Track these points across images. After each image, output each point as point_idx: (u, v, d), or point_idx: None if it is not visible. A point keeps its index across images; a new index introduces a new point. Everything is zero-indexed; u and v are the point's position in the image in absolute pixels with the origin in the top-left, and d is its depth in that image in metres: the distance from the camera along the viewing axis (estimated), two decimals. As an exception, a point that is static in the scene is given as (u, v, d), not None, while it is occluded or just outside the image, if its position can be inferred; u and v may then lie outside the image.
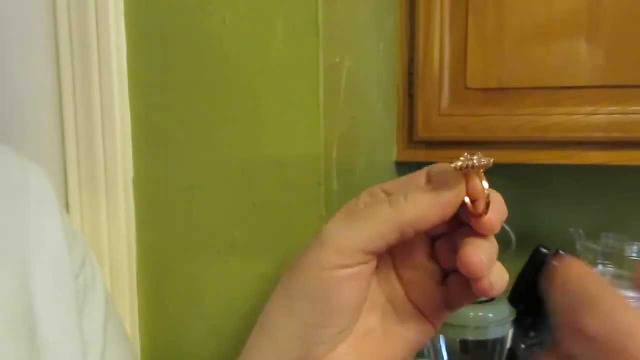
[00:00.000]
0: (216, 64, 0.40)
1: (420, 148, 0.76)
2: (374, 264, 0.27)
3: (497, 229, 0.26)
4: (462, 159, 0.24)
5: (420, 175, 0.28)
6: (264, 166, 0.39)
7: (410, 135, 0.76)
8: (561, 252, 0.83)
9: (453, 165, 0.24)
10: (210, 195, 0.41)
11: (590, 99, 0.68)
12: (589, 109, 0.68)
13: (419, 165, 1.02)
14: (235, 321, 0.42)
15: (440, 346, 0.75)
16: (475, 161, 0.23)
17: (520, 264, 0.86)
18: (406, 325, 0.28)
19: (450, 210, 0.25)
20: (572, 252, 0.94)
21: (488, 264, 0.26)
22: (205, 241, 0.42)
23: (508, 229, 0.77)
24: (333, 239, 0.27)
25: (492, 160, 0.24)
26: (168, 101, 0.42)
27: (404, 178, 0.29)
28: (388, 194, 0.28)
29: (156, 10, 0.41)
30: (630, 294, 0.85)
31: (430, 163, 0.86)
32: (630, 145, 0.68)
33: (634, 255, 0.90)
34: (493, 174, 0.87)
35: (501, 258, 0.77)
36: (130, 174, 0.43)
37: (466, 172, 0.24)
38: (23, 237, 0.33)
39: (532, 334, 0.82)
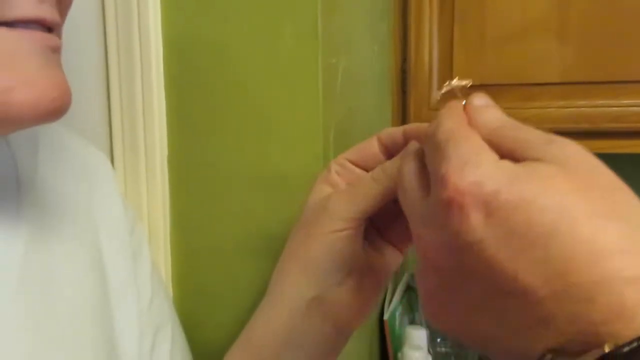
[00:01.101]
0: (235, 64, 0.49)
1: (412, 138, 0.85)
2: (364, 222, 0.37)
3: None
4: (444, 86, 0.29)
5: (373, 143, 0.38)
6: (274, 144, 0.48)
7: (403, 127, 0.85)
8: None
9: (442, 92, 0.30)
10: (229, 169, 0.50)
11: (561, 94, 0.77)
12: (561, 103, 0.77)
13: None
14: (254, 273, 0.51)
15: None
16: (454, 82, 0.29)
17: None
18: (383, 256, 0.38)
19: None
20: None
21: None
22: (225, 205, 0.51)
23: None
24: (338, 211, 0.36)
25: (470, 82, 0.29)
26: (195, 94, 0.51)
27: (360, 146, 0.39)
28: (355, 164, 0.38)
29: (187, 21, 0.50)
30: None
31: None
32: (596, 135, 0.76)
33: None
34: None
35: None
36: (165, 152, 0.52)
37: (451, 95, 0.29)
38: (92, 205, 0.41)
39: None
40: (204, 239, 0.53)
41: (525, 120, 0.82)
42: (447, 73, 0.81)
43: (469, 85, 0.28)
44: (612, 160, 0.92)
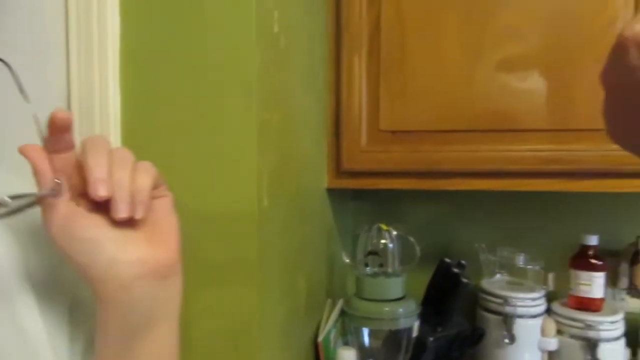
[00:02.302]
0: (182, 118, 0.57)
1: (345, 177, 0.95)
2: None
3: None
4: None
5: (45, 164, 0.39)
6: (215, 188, 0.56)
7: (337, 167, 0.95)
8: (462, 261, 1.03)
9: None
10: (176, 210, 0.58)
11: (472, 140, 0.89)
12: (471, 147, 0.89)
13: (347, 191, 1.22)
14: (200, 300, 0.58)
15: (363, 335, 0.92)
16: None
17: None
18: None
19: None
20: (476, 263, 1.14)
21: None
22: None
23: (414, 242, 0.96)
24: None
25: None
26: (149, 141, 0.59)
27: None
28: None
29: (143, 78, 0.58)
30: (520, 295, 1.05)
31: (355, 189, 1.09)
32: (499, 175, 0.89)
33: (521, 263, 1.11)
34: (412, 200, 1.13)
35: (408, 268, 0.98)
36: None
37: None
38: (27, 270, 0.42)
39: (439, 329, 1.01)
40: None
41: (440, 162, 0.94)
42: (375, 120, 0.92)
43: None
44: (513, 197, 1.05)
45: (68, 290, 0.46)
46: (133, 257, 0.40)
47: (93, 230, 0.39)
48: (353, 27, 0.91)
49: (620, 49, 0.32)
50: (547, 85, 0.87)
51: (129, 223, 0.40)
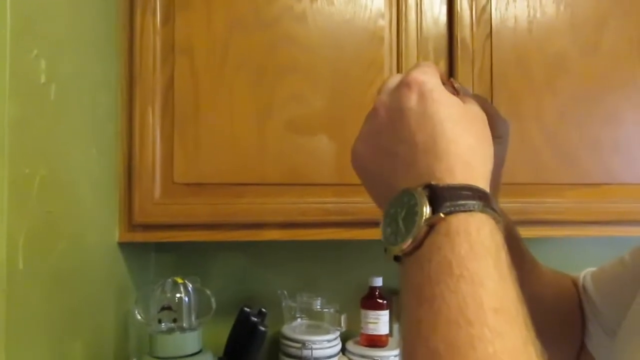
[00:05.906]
0: None
1: (138, 230, 0.92)
2: None
3: None
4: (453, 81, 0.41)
5: None
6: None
7: (129, 220, 0.92)
8: (263, 309, 1.06)
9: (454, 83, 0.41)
10: None
11: (263, 193, 0.94)
12: (263, 200, 0.93)
13: (149, 244, 1.18)
14: None
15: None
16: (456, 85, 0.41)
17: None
18: None
19: None
20: (279, 309, 1.18)
21: None
22: None
23: (210, 294, 0.96)
24: None
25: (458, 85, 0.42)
26: None
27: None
28: None
29: None
30: (317, 338, 1.11)
31: (147, 243, 1.06)
32: (291, 225, 0.95)
33: (319, 307, 1.18)
34: (217, 250, 1.12)
35: (204, 321, 0.97)
36: None
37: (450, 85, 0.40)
38: None
39: (241, 378, 1.01)
40: None
41: (235, 213, 0.96)
42: (169, 172, 0.91)
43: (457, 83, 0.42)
44: (309, 245, 1.13)
45: None
46: None
47: None
48: (146, 80, 0.91)
49: (373, 112, 0.38)
50: (330, 143, 0.96)
51: None
